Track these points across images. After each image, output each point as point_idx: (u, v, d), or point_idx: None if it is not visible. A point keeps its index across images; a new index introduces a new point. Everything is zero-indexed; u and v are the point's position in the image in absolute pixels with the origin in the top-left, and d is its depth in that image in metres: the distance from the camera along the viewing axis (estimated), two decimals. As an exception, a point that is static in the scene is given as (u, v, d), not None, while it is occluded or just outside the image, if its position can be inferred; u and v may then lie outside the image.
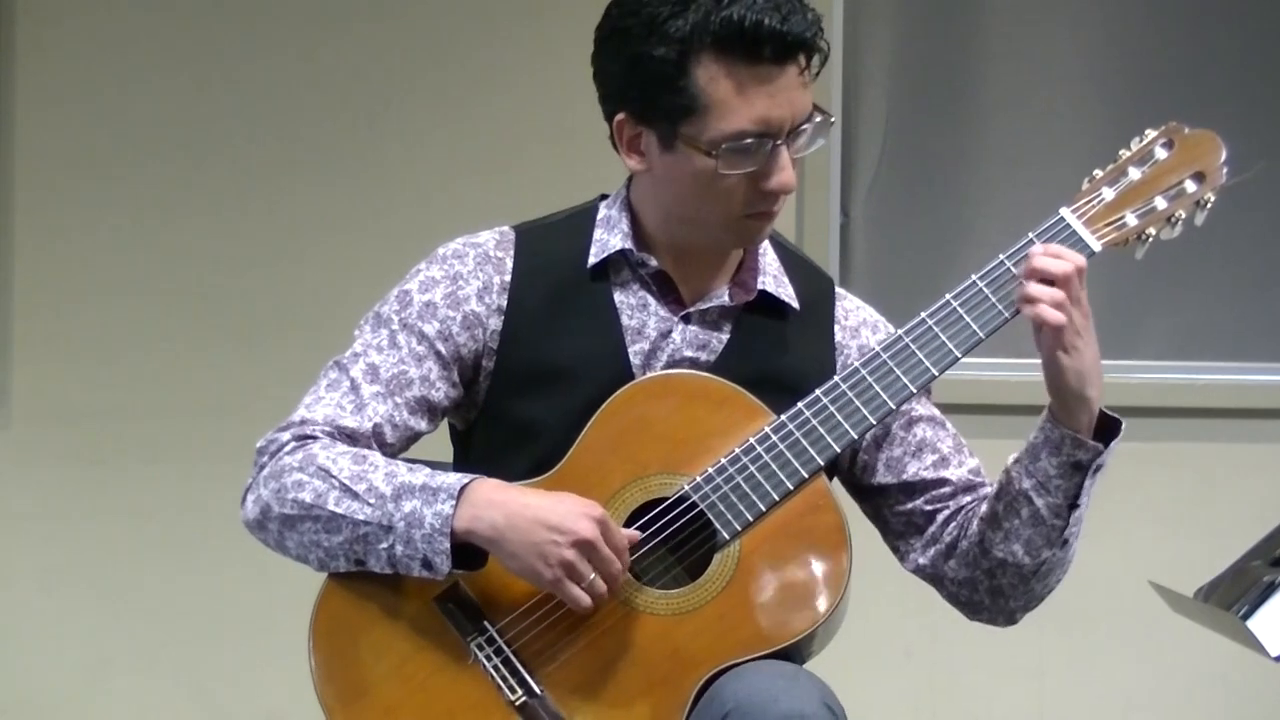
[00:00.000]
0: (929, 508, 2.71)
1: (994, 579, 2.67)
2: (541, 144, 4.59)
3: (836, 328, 2.72)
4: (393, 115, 4.66)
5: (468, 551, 2.54)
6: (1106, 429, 2.61)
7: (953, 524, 2.70)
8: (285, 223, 4.66)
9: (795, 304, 2.70)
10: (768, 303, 2.68)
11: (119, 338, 4.66)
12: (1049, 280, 2.54)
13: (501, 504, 2.52)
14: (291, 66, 4.66)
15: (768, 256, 2.71)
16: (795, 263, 2.75)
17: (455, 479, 2.54)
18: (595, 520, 2.50)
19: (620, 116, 2.60)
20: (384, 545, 2.53)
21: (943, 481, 2.71)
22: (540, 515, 2.50)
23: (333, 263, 4.62)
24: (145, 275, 4.66)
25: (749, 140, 2.54)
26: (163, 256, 4.66)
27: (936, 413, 2.75)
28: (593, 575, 2.50)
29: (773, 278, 2.69)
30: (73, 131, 4.65)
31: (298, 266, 4.66)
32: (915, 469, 2.71)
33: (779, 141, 2.55)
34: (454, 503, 2.51)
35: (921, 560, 2.72)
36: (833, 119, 2.63)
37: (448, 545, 2.51)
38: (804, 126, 2.58)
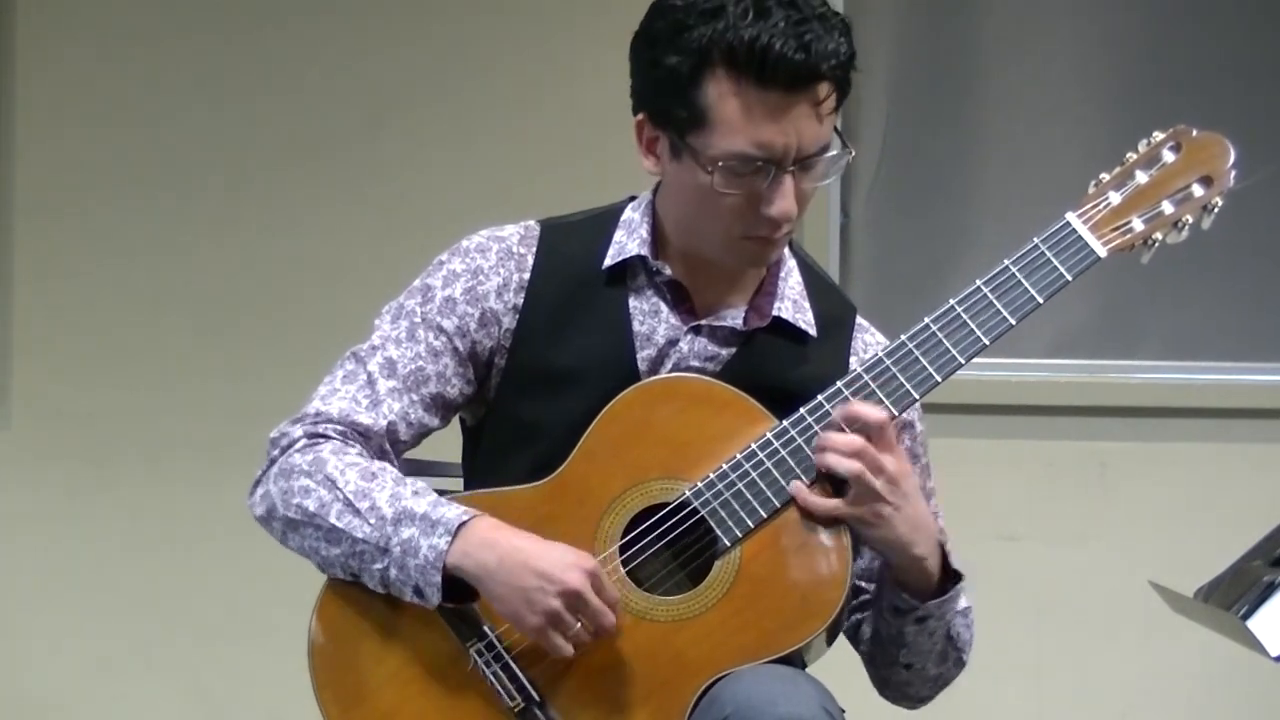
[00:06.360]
0: (858, 582, 2.68)
1: (867, 661, 2.71)
2: (551, 149, 4.58)
3: (853, 358, 2.68)
4: (397, 121, 4.65)
5: (461, 583, 2.53)
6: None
7: (868, 609, 2.70)
8: (287, 225, 4.66)
9: (812, 331, 2.66)
10: (783, 327, 2.65)
11: (119, 338, 4.65)
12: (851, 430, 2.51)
13: (493, 545, 2.50)
14: (297, 68, 4.66)
15: (791, 279, 2.68)
16: (820, 287, 2.71)
17: (456, 513, 2.52)
18: (586, 572, 2.48)
19: (640, 116, 2.58)
20: (379, 566, 2.53)
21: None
22: (530, 561, 2.49)
23: (335, 266, 4.62)
24: (145, 275, 4.66)
25: (747, 162, 2.50)
26: (163, 257, 4.66)
27: (931, 485, 2.72)
28: (578, 625, 2.48)
29: (792, 303, 2.66)
30: (73, 132, 4.65)
31: (299, 269, 4.65)
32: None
33: (787, 168, 2.51)
34: (450, 539, 2.50)
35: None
36: (852, 153, 2.58)
37: (439, 579, 2.50)
38: (816, 157, 2.53)
